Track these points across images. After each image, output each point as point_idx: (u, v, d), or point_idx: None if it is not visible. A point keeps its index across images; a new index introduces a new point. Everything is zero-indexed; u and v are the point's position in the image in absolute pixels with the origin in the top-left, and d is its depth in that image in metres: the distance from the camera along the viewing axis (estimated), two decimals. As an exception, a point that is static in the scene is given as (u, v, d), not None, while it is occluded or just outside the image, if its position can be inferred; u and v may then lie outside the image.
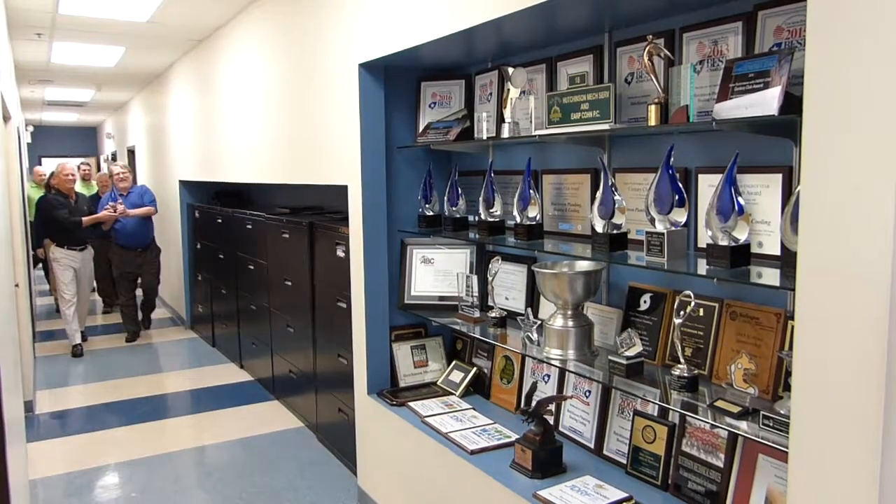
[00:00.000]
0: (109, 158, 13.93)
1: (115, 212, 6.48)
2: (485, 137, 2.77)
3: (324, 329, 4.11)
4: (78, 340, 6.55)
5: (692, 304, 2.00)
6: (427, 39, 2.60)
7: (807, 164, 1.32)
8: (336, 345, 3.87)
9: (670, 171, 2.01)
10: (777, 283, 1.74)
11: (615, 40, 2.39)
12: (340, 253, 3.72)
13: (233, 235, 5.86)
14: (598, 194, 2.22)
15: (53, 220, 6.35)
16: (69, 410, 5.03)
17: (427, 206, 3.12)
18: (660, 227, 2.02)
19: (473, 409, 2.97)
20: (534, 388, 2.60)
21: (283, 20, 4.55)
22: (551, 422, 2.53)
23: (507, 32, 2.48)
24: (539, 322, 2.53)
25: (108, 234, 6.91)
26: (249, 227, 5.44)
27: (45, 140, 15.10)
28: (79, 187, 7.37)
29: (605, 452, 2.47)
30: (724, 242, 1.85)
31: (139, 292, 7.15)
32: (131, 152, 11.31)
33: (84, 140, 16.83)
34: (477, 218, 2.89)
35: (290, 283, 4.61)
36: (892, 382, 1.22)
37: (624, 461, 2.37)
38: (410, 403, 3.04)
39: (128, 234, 6.73)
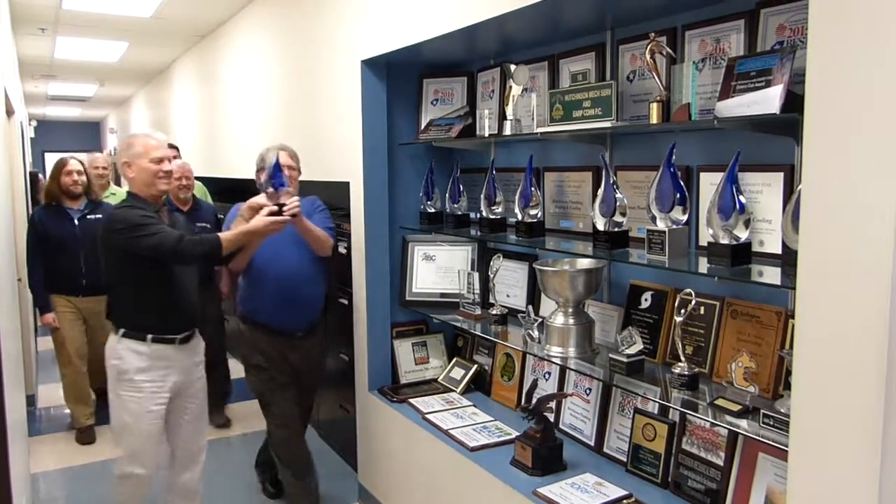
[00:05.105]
0: (112, 154, 13.92)
1: (281, 210, 2.68)
2: (487, 135, 2.77)
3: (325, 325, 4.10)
4: None
5: (693, 302, 2.00)
6: (429, 36, 2.60)
7: (808, 162, 1.31)
8: (337, 341, 3.87)
9: (672, 169, 2.01)
10: (778, 282, 1.74)
11: (617, 38, 2.39)
12: (342, 249, 3.72)
13: (235, 231, 5.85)
14: (600, 192, 2.22)
15: (130, 256, 2.54)
16: (71, 405, 5.02)
17: (429, 202, 3.12)
18: (661, 226, 2.02)
19: (474, 406, 2.98)
20: (534, 385, 2.60)
21: (286, 16, 4.55)
22: (552, 419, 2.53)
23: (509, 30, 2.48)
24: (540, 320, 2.53)
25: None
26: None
27: (49, 135, 15.11)
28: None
29: (605, 450, 2.47)
30: (725, 241, 1.85)
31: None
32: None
33: (87, 135, 16.85)
34: (478, 215, 2.89)
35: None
36: (893, 381, 1.22)
37: (624, 459, 2.37)
38: (411, 400, 3.04)
39: (280, 301, 2.98)
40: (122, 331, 2.62)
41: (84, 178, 4.22)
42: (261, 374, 3.04)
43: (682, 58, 2.12)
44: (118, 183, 5.47)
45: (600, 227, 2.21)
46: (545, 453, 2.36)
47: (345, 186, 3.37)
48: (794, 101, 1.62)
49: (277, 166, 2.73)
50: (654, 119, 2.02)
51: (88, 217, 4.17)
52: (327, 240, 3.02)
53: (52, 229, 4.11)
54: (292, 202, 2.72)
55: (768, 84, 1.69)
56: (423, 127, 3.16)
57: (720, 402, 1.86)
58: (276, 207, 2.68)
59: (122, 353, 2.61)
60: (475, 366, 3.15)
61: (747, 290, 2.03)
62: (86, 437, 4.26)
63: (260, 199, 2.76)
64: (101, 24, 5.96)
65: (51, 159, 15.41)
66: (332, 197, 4.82)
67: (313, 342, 3.14)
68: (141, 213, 2.55)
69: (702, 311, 2.13)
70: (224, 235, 2.64)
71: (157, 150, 2.66)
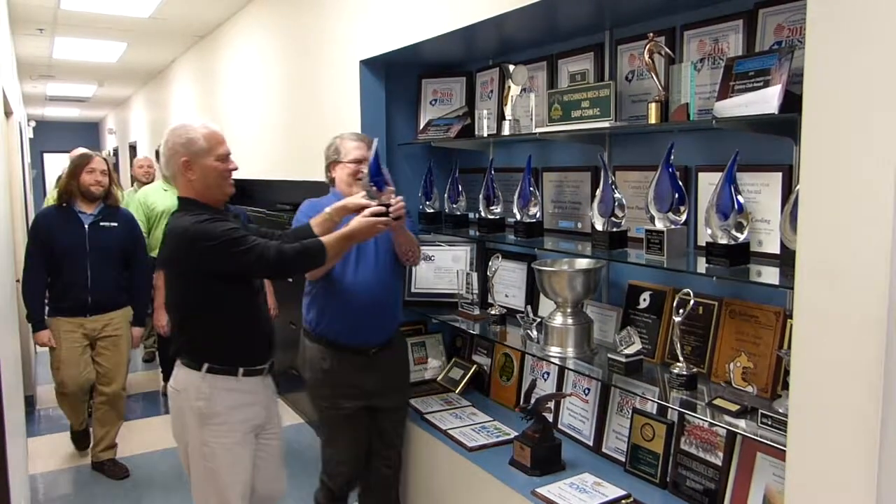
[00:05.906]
0: (111, 154, 13.92)
1: (387, 210, 2.29)
2: (485, 135, 2.77)
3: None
4: None
5: (691, 302, 2.00)
6: (428, 36, 2.60)
7: (806, 162, 1.32)
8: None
9: (670, 170, 2.01)
10: (776, 282, 1.74)
11: (616, 38, 2.39)
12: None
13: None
14: (598, 192, 2.22)
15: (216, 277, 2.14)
16: (70, 406, 5.01)
17: (427, 203, 3.12)
18: (660, 226, 2.02)
19: (473, 406, 2.98)
20: (533, 385, 2.60)
21: (285, 16, 4.54)
22: (550, 419, 2.53)
23: (507, 30, 2.48)
24: (539, 320, 2.53)
25: None
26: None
27: (47, 136, 15.11)
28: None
29: (603, 450, 2.47)
30: (723, 241, 1.85)
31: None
32: (133, 148, 11.32)
33: (86, 136, 16.84)
34: (477, 215, 2.89)
35: (290, 280, 4.60)
36: (890, 381, 1.22)
37: (623, 459, 2.37)
38: (410, 400, 3.04)
39: (356, 314, 2.58)
40: (206, 366, 2.16)
41: (107, 179, 3.67)
42: (323, 400, 2.64)
43: (680, 58, 2.12)
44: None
45: (599, 227, 2.21)
46: (544, 453, 2.36)
47: (343, 187, 3.36)
48: (792, 101, 1.62)
49: (378, 161, 2.32)
50: (653, 119, 2.03)
51: (101, 224, 3.66)
52: (414, 240, 2.67)
53: (57, 234, 3.59)
54: (398, 202, 2.33)
55: (766, 84, 1.69)
56: (421, 127, 3.16)
57: (718, 402, 1.86)
58: (381, 208, 2.27)
59: (210, 392, 2.17)
60: (474, 366, 3.15)
61: (746, 290, 2.04)
62: (81, 443, 4.11)
63: (358, 199, 2.34)
64: (99, 24, 5.96)
65: (50, 160, 15.44)
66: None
67: (389, 359, 2.68)
68: (226, 227, 2.08)
69: (700, 311, 2.13)
70: (326, 241, 2.18)
71: (223, 144, 2.20)
